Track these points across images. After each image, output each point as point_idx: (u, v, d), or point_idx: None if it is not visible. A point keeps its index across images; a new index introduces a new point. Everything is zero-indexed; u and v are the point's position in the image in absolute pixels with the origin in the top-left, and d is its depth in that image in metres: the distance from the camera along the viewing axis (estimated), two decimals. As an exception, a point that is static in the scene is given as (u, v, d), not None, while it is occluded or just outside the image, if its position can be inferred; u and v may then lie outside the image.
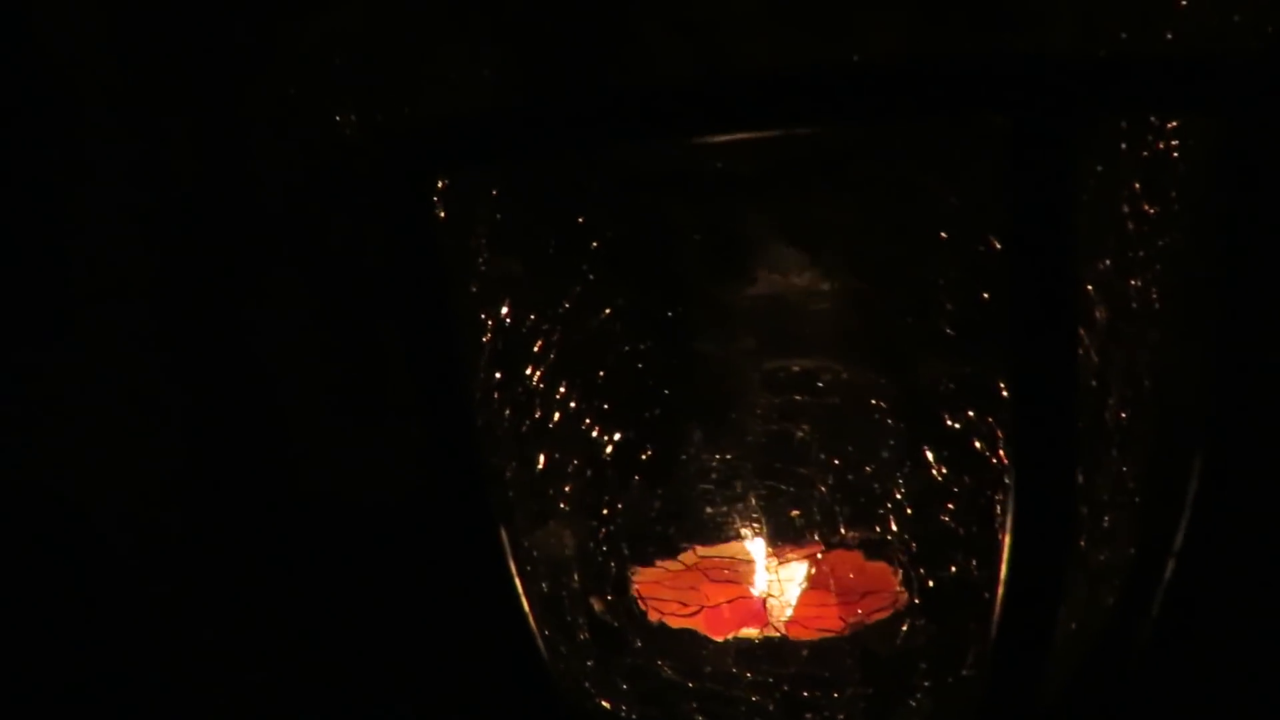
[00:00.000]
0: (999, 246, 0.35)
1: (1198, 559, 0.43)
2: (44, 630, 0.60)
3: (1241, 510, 0.48)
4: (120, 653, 0.62)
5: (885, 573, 0.41)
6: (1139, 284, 0.41)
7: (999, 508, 0.40)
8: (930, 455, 0.39)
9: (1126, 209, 0.38)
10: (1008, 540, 0.36)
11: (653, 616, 0.44)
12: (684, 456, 0.42)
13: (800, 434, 0.39)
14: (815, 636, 0.42)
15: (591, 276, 0.39)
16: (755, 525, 0.42)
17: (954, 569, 0.41)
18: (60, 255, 0.61)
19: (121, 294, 0.62)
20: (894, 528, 0.40)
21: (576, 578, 0.45)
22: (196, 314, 0.64)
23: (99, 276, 0.62)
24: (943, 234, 0.36)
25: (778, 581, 0.41)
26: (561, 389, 0.42)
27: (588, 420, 0.42)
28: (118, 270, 0.62)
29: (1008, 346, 0.32)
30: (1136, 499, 0.44)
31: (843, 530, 0.40)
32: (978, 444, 0.39)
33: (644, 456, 0.42)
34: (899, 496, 0.39)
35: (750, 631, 0.43)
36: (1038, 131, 0.31)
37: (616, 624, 0.44)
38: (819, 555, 0.41)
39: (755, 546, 0.42)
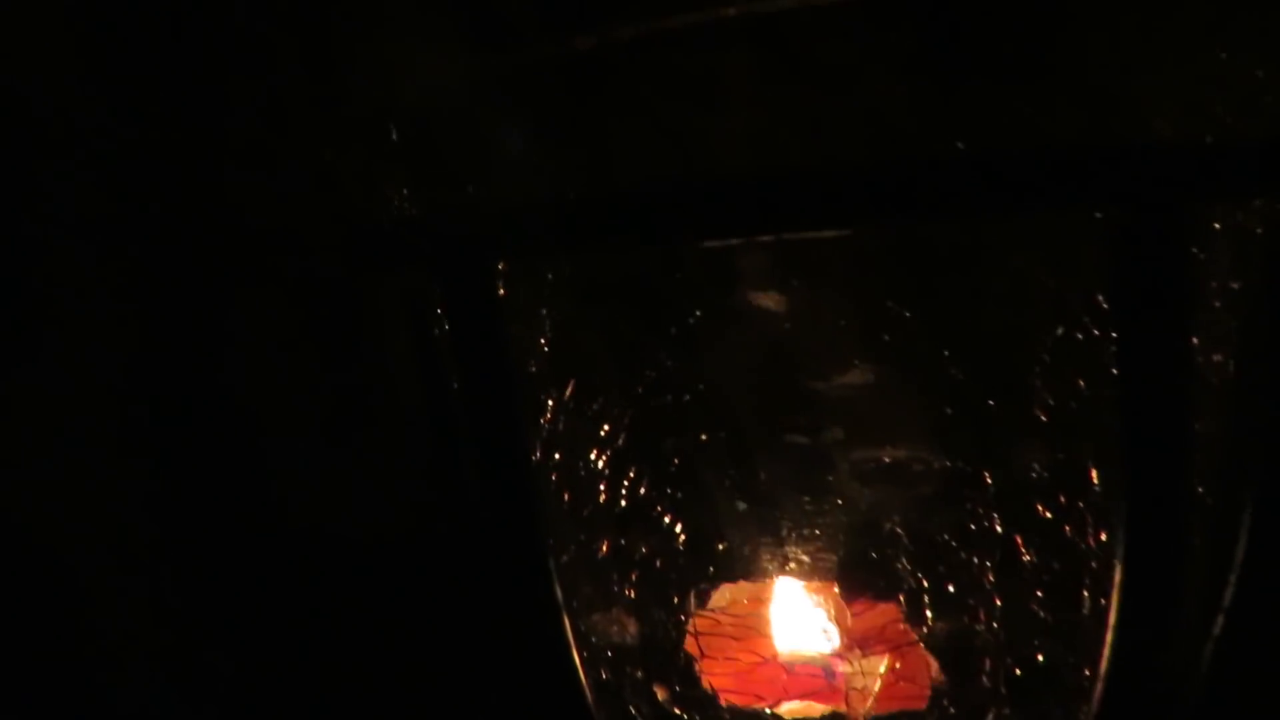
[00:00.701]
0: (1096, 331, 0.34)
1: (1246, 612, 0.42)
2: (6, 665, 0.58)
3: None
4: (88, 690, 0.60)
5: (969, 661, 0.40)
6: (1221, 358, 0.40)
7: (1087, 593, 0.39)
8: (1021, 541, 0.38)
9: (1214, 284, 0.37)
10: (1110, 637, 0.35)
11: (723, 702, 0.42)
12: (762, 545, 0.40)
13: (888, 524, 0.38)
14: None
15: (669, 362, 0.38)
16: (838, 616, 0.40)
17: (1041, 656, 0.39)
18: (26, 276, 0.60)
19: (91, 315, 0.61)
20: (982, 616, 0.39)
21: (642, 666, 0.43)
22: (170, 338, 0.62)
23: (67, 298, 0.60)
24: (1037, 318, 0.35)
25: (860, 674, 0.40)
26: (631, 473, 0.40)
27: (658, 507, 0.40)
28: (87, 290, 0.60)
29: (1121, 440, 0.31)
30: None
31: (929, 618, 0.39)
32: (1068, 529, 0.37)
33: (719, 546, 0.40)
34: (988, 584, 0.38)
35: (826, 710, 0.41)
36: (1149, 222, 0.30)
37: (684, 715, 0.43)
38: (904, 647, 0.39)
39: (836, 635, 0.41)
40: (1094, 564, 0.38)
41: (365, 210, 0.49)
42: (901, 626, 0.39)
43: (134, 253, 0.61)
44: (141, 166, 0.61)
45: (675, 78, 0.34)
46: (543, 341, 0.41)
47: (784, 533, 0.40)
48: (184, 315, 0.63)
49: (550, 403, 0.42)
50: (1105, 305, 0.34)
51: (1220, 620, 0.42)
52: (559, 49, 0.35)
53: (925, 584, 0.39)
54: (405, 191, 0.44)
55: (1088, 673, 0.41)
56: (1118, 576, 0.34)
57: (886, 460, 0.37)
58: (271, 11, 0.55)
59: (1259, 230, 0.38)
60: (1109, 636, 0.35)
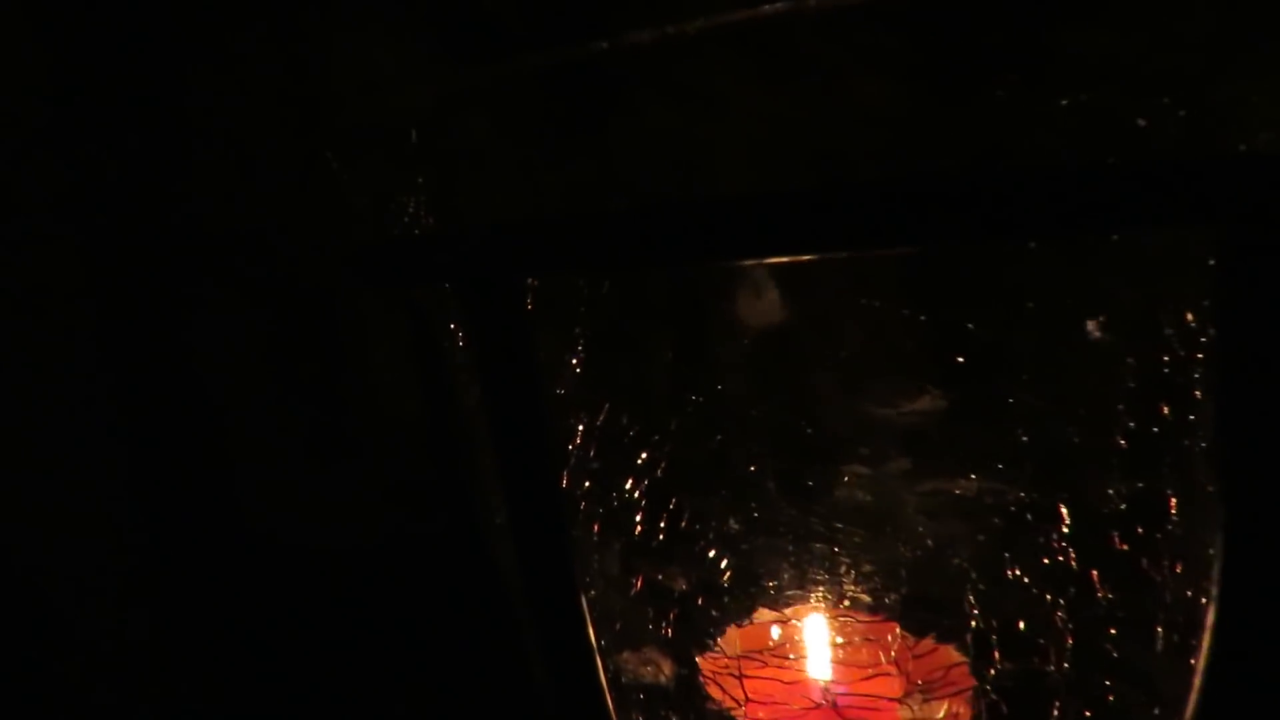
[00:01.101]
0: (1182, 352, 0.32)
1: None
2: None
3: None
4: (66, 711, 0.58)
5: (1039, 703, 0.37)
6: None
7: (1160, 629, 0.37)
8: (1096, 576, 0.35)
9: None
10: (1198, 681, 0.32)
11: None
12: (815, 582, 0.37)
13: (955, 561, 0.35)
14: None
15: (719, 386, 0.35)
16: (898, 657, 0.38)
17: (1113, 697, 0.37)
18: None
19: (61, 323, 0.58)
20: (1052, 659, 0.36)
21: (680, 711, 0.40)
22: (140, 345, 0.60)
23: (36, 306, 0.58)
24: (1119, 340, 0.33)
25: (919, 719, 0.37)
26: (671, 505, 0.38)
27: (700, 540, 0.38)
28: (55, 295, 0.58)
29: (1221, 469, 0.29)
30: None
31: (997, 660, 0.36)
32: (1144, 563, 0.35)
33: (768, 583, 0.37)
34: (1059, 623, 0.36)
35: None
36: (1257, 236, 0.27)
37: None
38: (964, 690, 0.37)
39: (896, 678, 0.38)
40: (1169, 598, 0.36)
41: (377, 220, 0.46)
42: (964, 669, 0.37)
43: (116, 263, 0.59)
44: (132, 174, 0.59)
45: (728, 87, 0.31)
46: (574, 362, 0.39)
47: (839, 569, 0.37)
48: (166, 327, 0.61)
49: (581, 428, 0.40)
50: (1193, 323, 0.32)
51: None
52: (596, 51, 0.33)
53: (992, 623, 0.36)
54: (423, 199, 0.42)
55: (1157, 711, 0.38)
56: (1210, 618, 0.31)
57: (955, 491, 0.35)
58: (285, 19, 0.53)
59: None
60: (1197, 681, 0.33)
